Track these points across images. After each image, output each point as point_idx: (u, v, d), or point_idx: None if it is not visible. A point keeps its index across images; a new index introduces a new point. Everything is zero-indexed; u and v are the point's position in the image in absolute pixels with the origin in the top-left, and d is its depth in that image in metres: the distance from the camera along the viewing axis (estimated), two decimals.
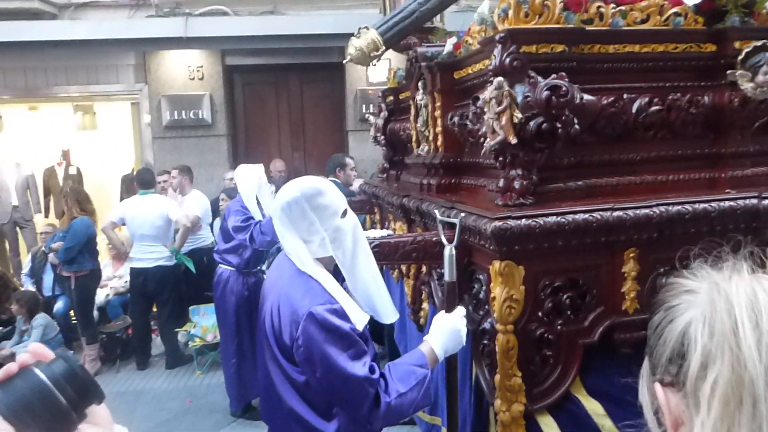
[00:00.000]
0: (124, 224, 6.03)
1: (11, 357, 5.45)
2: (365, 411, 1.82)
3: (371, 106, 7.52)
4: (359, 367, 1.80)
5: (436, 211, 2.18)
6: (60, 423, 0.68)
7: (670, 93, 2.19)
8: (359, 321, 1.86)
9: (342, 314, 1.82)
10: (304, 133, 8.42)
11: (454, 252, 2.01)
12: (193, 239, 6.35)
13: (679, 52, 2.20)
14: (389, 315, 2.07)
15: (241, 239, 4.50)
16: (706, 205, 1.97)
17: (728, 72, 2.15)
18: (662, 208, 1.93)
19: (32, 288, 6.69)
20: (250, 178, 4.67)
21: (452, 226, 2.09)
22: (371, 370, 1.83)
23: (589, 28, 2.11)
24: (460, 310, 2.00)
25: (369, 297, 2.01)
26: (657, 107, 2.16)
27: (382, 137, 3.75)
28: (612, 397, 1.95)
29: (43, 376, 0.68)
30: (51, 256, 6.07)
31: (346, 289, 1.96)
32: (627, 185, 2.17)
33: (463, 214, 2.06)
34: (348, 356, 1.80)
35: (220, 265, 4.78)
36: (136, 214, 5.83)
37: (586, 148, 2.17)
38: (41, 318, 5.77)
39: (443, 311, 2.03)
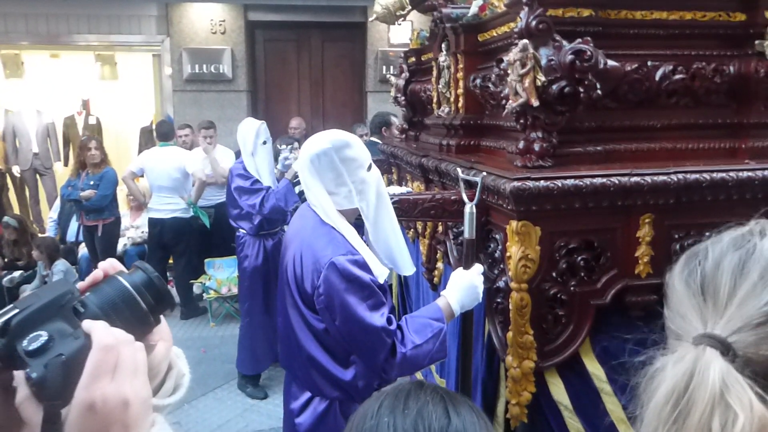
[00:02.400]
0: (143, 175, 6.12)
1: None
2: (381, 360, 1.89)
3: (391, 67, 7.50)
4: (377, 318, 1.87)
5: (459, 170, 2.22)
6: (140, 323, 0.76)
7: (695, 61, 2.18)
8: (380, 273, 1.92)
9: (363, 265, 1.89)
10: (324, 92, 8.42)
11: (474, 210, 2.05)
12: (220, 192, 6.46)
13: (707, 20, 2.19)
14: (407, 267, 2.14)
15: (249, 206, 4.34)
16: (724, 174, 1.98)
17: (756, 42, 2.14)
18: (680, 175, 1.95)
19: (57, 233, 6.84)
20: (247, 134, 4.47)
21: (472, 185, 2.12)
22: (389, 321, 1.90)
23: None
24: (478, 267, 2.05)
25: (389, 249, 2.07)
26: (681, 75, 2.16)
27: (403, 98, 3.75)
28: (616, 360, 2.00)
29: (126, 283, 0.76)
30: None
31: (366, 242, 2.02)
32: (646, 151, 2.19)
33: (485, 173, 2.09)
34: (367, 306, 1.87)
35: (239, 229, 4.67)
36: (154, 166, 5.91)
37: (607, 113, 2.18)
38: (61, 264, 5.91)
39: (461, 268, 2.08)
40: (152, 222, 6.04)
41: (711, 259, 0.80)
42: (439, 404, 0.85)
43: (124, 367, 0.70)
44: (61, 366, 0.68)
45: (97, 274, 0.77)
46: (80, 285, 0.76)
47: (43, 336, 0.68)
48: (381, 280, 1.95)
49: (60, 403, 0.67)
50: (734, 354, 0.72)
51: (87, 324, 0.71)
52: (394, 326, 1.90)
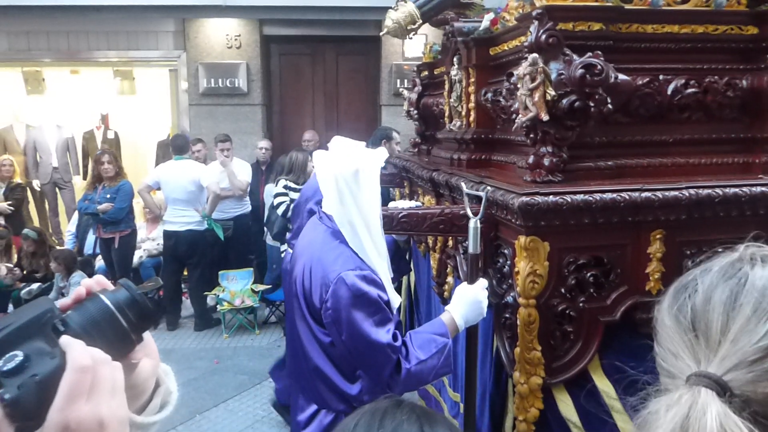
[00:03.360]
0: (158, 188, 6.17)
1: None
2: (386, 376, 1.87)
3: (405, 80, 7.50)
4: (383, 334, 1.86)
5: (463, 184, 2.21)
6: (121, 342, 0.75)
7: (707, 75, 2.16)
8: (395, 299, 1.93)
9: (371, 281, 1.88)
10: (338, 105, 8.44)
11: (479, 225, 2.04)
12: (239, 205, 6.51)
13: (719, 34, 2.17)
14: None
15: None
16: (737, 189, 1.95)
17: None
18: (692, 191, 1.92)
19: (75, 246, 6.91)
20: None
21: (479, 200, 2.11)
22: (394, 337, 1.88)
23: (627, 6, 2.09)
24: (482, 282, 2.04)
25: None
26: (693, 89, 2.14)
27: (415, 111, 3.76)
28: (626, 378, 1.96)
29: (107, 301, 0.76)
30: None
31: None
32: (658, 167, 2.16)
33: (489, 188, 2.08)
34: (373, 322, 1.86)
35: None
36: (169, 179, 5.96)
37: (618, 128, 2.16)
38: (78, 276, 5.95)
39: (465, 282, 2.06)
40: (167, 234, 6.08)
41: (701, 292, 0.76)
42: (415, 423, 0.83)
43: (101, 387, 0.68)
44: (35, 386, 0.66)
45: (80, 291, 0.77)
46: (62, 303, 0.76)
47: (18, 356, 0.67)
48: (395, 305, 1.96)
49: (33, 424, 0.66)
50: (731, 394, 0.68)
51: (64, 342, 0.69)
52: (399, 342, 1.89)
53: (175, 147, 6.30)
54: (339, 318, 1.86)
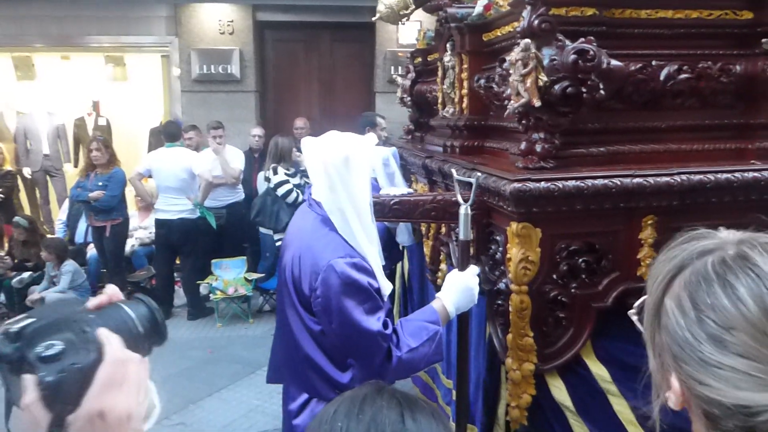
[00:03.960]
0: (150, 176, 6.15)
1: (41, 301, 5.66)
2: (377, 364, 1.88)
3: (400, 68, 7.48)
4: (373, 322, 1.86)
5: (453, 170, 2.21)
6: (137, 351, 0.83)
7: (701, 61, 2.16)
8: (386, 286, 1.95)
9: (361, 268, 1.88)
10: (333, 92, 8.43)
11: (469, 211, 2.04)
12: (232, 193, 6.49)
13: (713, 19, 2.16)
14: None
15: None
16: (729, 174, 1.96)
17: (763, 41, 2.11)
18: (683, 177, 1.93)
19: (66, 235, 6.89)
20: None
21: (470, 186, 2.12)
22: (385, 325, 1.89)
23: None
24: (473, 269, 2.05)
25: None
26: (686, 75, 2.13)
27: (409, 98, 3.75)
28: (620, 363, 1.98)
29: (130, 312, 0.85)
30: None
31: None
32: (651, 153, 2.17)
33: (479, 174, 2.08)
34: (363, 310, 1.86)
35: None
36: (161, 167, 5.94)
37: (611, 114, 2.17)
38: (70, 265, 5.96)
39: (456, 269, 2.07)
40: (159, 222, 6.07)
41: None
42: (395, 409, 0.84)
43: (130, 381, 0.76)
44: (77, 373, 0.74)
45: (102, 299, 0.85)
46: (86, 305, 0.84)
47: (57, 345, 0.74)
48: (386, 292, 1.96)
49: (70, 408, 0.73)
50: None
51: (102, 335, 0.77)
52: (390, 330, 1.89)
53: (166, 134, 6.27)
54: (329, 306, 1.86)
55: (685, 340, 0.78)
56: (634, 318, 0.96)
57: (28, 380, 0.72)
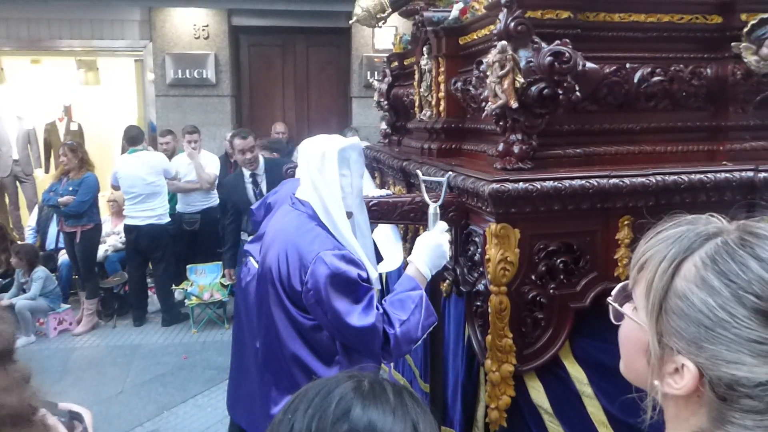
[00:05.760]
0: (119, 186, 6.07)
1: (10, 308, 5.54)
2: (377, 348, 1.92)
3: (376, 73, 7.50)
4: (365, 311, 1.91)
5: (419, 172, 2.23)
6: None
7: (673, 64, 2.19)
8: (374, 275, 2.00)
9: (349, 260, 1.93)
10: (309, 97, 8.41)
11: (438, 211, 2.07)
12: (206, 198, 6.43)
13: (684, 23, 2.20)
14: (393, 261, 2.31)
15: None
16: (702, 175, 1.99)
17: (732, 44, 2.15)
18: (658, 177, 1.96)
19: (36, 241, 6.76)
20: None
21: (451, 187, 2.13)
22: (375, 308, 1.93)
23: None
24: (441, 225, 2.07)
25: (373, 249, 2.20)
26: (659, 78, 2.17)
27: (386, 102, 3.75)
28: (596, 362, 2.00)
29: None
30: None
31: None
32: (626, 154, 2.19)
33: (450, 173, 2.10)
34: (354, 301, 1.91)
35: None
36: (126, 173, 5.88)
37: (587, 116, 2.19)
38: (41, 271, 5.85)
39: (425, 232, 2.10)
40: (128, 228, 6.01)
41: None
42: (346, 400, 0.79)
43: None
44: None
45: None
46: None
47: None
48: (374, 280, 2.01)
49: None
50: None
51: None
52: (381, 311, 1.93)
53: (128, 139, 6.16)
54: (320, 298, 1.89)
55: (716, 319, 0.77)
56: (615, 305, 0.95)
57: None
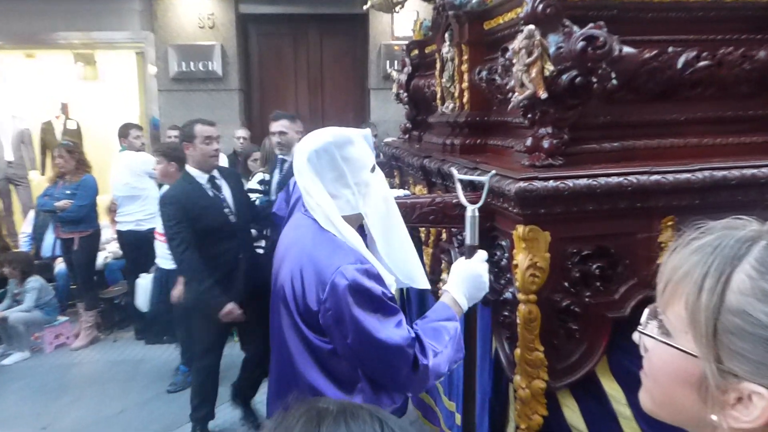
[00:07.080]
0: None
1: (3, 321, 5.62)
2: (404, 375, 1.84)
3: (395, 62, 7.51)
4: (394, 331, 1.81)
5: (454, 170, 2.20)
6: None
7: (721, 46, 2.16)
8: (390, 284, 1.91)
9: (373, 275, 1.83)
10: (323, 90, 8.44)
11: (477, 214, 2.03)
12: None
13: (733, 1, 2.17)
14: (423, 280, 2.12)
15: None
16: (755, 170, 1.96)
17: None
18: (705, 173, 1.93)
19: (32, 248, 6.85)
20: None
21: (476, 187, 2.11)
22: (407, 330, 1.85)
23: None
24: (481, 254, 2.03)
25: (405, 261, 2.05)
26: (706, 62, 2.14)
27: (405, 94, 3.75)
28: (636, 381, 1.97)
29: None
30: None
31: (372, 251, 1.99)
32: (669, 148, 2.17)
33: (492, 173, 2.07)
34: (383, 319, 1.81)
35: None
36: (113, 175, 5.99)
37: (625, 106, 2.16)
38: (35, 281, 5.91)
39: (462, 258, 2.06)
40: (118, 234, 6.16)
41: None
42: (317, 419, 0.78)
43: None
44: None
45: None
46: None
47: None
48: (393, 291, 1.93)
49: None
50: None
51: None
52: (413, 334, 1.85)
53: (119, 138, 6.30)
54: (342, 318, 1.79)
55: None
56: (652, 335, 0.90)
57: None
